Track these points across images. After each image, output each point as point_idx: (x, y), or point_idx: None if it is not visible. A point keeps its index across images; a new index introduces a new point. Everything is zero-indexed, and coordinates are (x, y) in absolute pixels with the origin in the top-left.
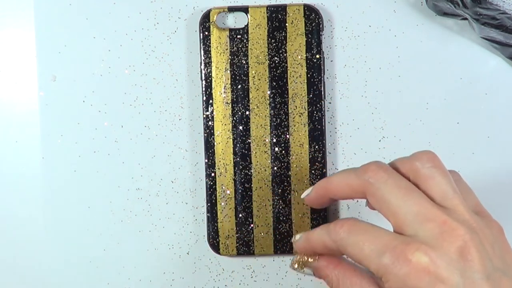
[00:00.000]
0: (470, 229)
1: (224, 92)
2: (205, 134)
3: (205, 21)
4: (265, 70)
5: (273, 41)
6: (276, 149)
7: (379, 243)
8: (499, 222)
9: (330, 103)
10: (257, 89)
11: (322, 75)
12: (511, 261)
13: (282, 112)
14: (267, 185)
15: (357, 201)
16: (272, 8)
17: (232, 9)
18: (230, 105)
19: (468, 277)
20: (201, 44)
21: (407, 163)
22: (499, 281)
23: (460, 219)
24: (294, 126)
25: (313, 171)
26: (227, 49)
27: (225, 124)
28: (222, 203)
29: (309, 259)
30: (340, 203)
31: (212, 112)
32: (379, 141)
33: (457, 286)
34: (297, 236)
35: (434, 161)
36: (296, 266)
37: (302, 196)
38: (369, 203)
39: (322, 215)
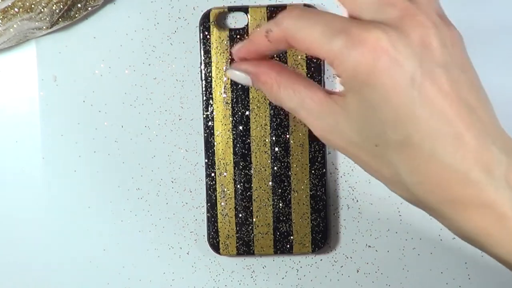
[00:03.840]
0: (432, 20)
1: (224, 92)
2: (205, 134)
3: (205, 21)
4: None
5: None
6: (276, 149)
7: (332, 25)
8: None
9: None
10: (257, 89)
11: (322, 75)
12: (468, 67)
13: (282, 112)
14: (267, 185)
15: (357, 200)
16: (272, 8)
17: (232, 9)
18: (230, 105)
19: (426, 66)
20: (201, 44)
21: None
22: (457, 77)
23: (421, 8)
24: (294, 126)
25: (313, 171)
26: (227, 49)
27: (225, 124)
28: (222, 203)
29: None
30: (339, 203)
31: (212, 112)
32: None
33: (413, 74)
34: (238, 45)
35: None
36: (232, 72)
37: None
38: None
39: (322, 215)
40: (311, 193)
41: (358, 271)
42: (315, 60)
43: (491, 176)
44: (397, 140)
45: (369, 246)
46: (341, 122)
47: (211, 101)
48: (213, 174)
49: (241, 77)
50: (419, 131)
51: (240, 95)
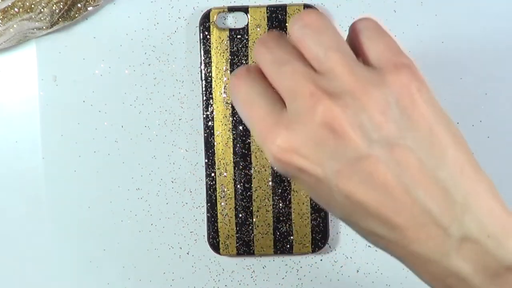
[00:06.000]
0: (344, 97)
1: (224, 92)
2: (205, 134)
3: (205, 21)
4: None
5: None
6: None
7: (251, 116)
8: None
9: None
10: None
11: None
12: (416, 120)
13: None
14: (267, 185)
15: None
16: (272, 8)
17: (232, 9)
18: (230, 105)
19: (339, 158)
20: (201, 44)
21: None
22: (390, 154)
23: (333, 86)
24: None
25: None
26: (227, 49)
27: (225, 124)
28: (222, 203)
29: None
30: None
31: (212, 112)
32: None
33: (323, 173)
34: None
35: (305, 19)
36: None
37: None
38: None
39: (322, 215)
40: None
41: (358, 271)
42: None
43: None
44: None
45: (369, 246)
46: None
47: (211, 101)
48: (213, 174)
49: None
50: None
51: None
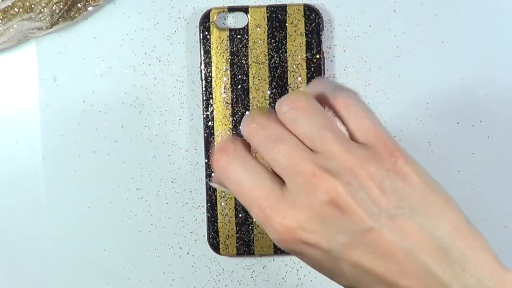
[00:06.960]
0: (344, 175)
1: (224, 92)
2: (205, 134)
3: (205, 21)
4: (265, 70)
5: (273, 41)
6: None
7: (250, 196)
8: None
9: None
10: (257, 89)
11: (322, 75)
12: (409, 191)
13: None
14: None
15: None
16: (272, 8)
17: (232, 9)
18: (230, 105)
19: (345, 232)
20: (201, 44)
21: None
22: (391, 224)
23: (332, 164)
24: None
25: None
26: (227, 49)
27: (225, 124)
28: (222, 203)
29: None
30: None
31: (212, 112)
32: None
33: (330, 246)
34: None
35: (295, 103)
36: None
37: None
38: None
39: None
40: None
41: None
42: (315, 60)
43: None
44: None
45: None
46: None
47: (211, 101)
48: (213, 174)
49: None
50: None
51: (240, 95)
